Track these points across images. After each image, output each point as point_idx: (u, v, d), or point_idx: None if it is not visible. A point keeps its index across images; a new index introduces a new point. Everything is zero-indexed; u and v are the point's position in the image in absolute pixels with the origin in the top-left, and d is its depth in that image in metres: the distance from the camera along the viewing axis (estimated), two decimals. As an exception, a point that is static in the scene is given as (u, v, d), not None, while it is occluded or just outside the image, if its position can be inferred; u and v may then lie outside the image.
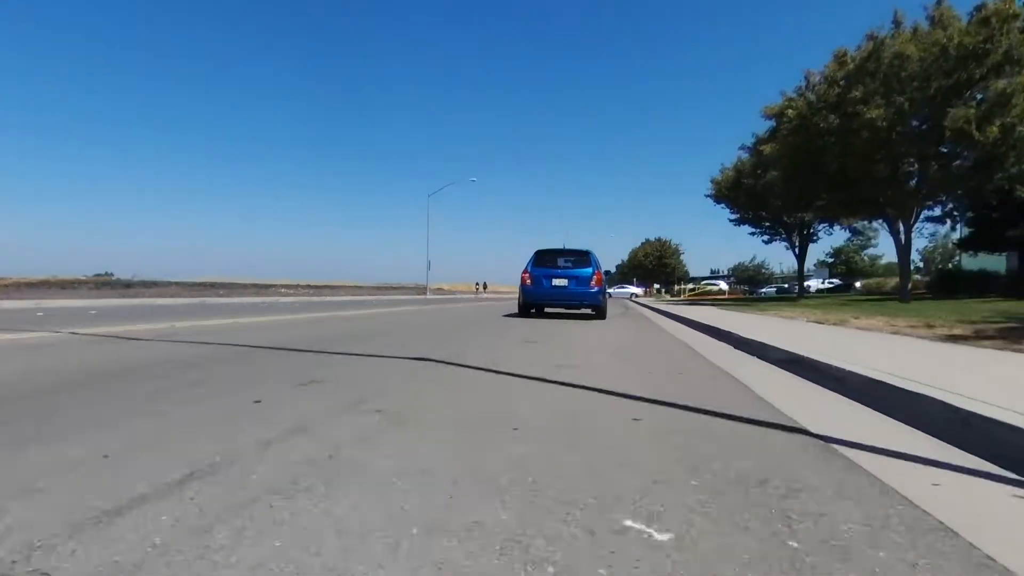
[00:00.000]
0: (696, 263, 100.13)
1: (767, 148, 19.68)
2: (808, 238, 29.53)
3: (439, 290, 64.69)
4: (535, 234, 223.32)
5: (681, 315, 11.62)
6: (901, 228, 19.36)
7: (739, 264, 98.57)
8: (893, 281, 39.97)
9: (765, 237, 30.70)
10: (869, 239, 52.42)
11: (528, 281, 10.86)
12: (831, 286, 56.65)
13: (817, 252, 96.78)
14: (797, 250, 29.86)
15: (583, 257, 11.17)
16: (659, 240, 72.75)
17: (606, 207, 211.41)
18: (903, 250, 19.59)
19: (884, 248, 60.05)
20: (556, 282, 10.77)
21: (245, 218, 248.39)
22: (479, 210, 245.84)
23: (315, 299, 24.40)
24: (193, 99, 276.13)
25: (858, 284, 58.31)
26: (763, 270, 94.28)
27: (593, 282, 10.77)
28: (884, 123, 16.27)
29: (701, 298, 44.77)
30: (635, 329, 8.69)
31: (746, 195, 27.82)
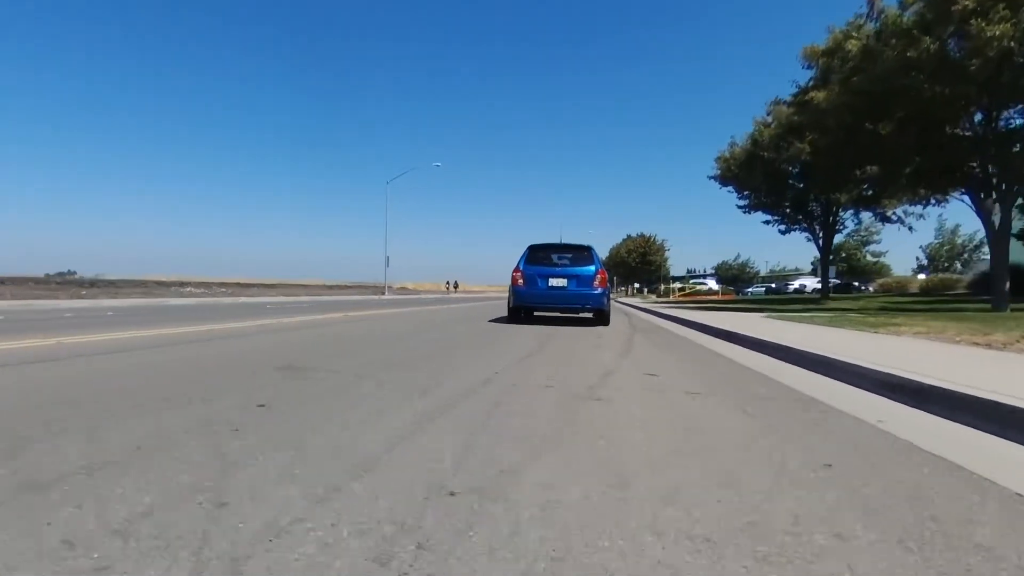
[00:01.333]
0: (672, 261, 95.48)
1: (819, 96, 14.35)
2: (833, 227, 24.51)
3: (403, 289, 58.59)
4: (517, 232, 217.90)
5: (725, 328, 6.45)
6: (996, 206, 14.24)
7: (722, 262, 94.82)
8: (913, 280, 35.58)
9: (782, 226, 25.59)
10: (871, 233, 47.99)
11: (520, 281, 9.36)
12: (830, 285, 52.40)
13: (812, 248, 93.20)
14: (821, 241, 24.80)
15: (583, 253, 9.67)
16: (642, 236, 67.75)
17: (586, 204, 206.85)
18: (999, 236, 14.47)
19: (887, 244, 55.15)
20: (553, 282, 9.29)
21: (234, 219, 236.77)
22: (454, 208, 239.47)
23: (212, 301, 18.40)
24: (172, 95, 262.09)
25: (856, 283, 54.06)
26: (747, 268, 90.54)
27: (596, 282, 9.25)
28: (1011, 43, 11.05)
29: (694, 299, 39.70)
30: (714, 377, 2.94)
31: (764, 173, 22.62)
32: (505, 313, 10.77)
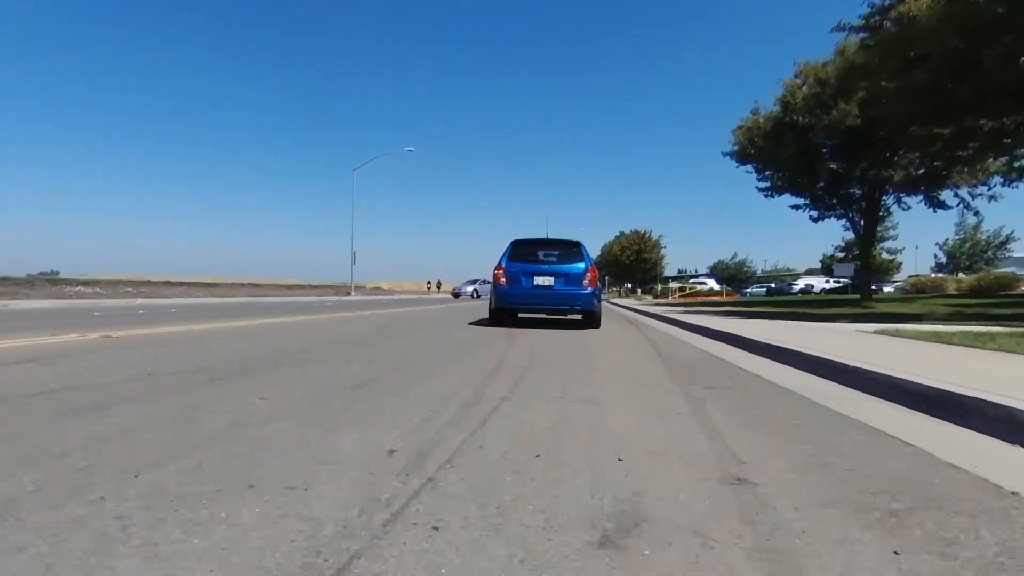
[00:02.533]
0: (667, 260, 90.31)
1: (917, 4, 9.80)
2: (877, 213, 20.02)
3: (377, 289, 53.59)
4: (508, 231, 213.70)
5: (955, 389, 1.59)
6: None
7: (718, 262, 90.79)
8: (943, 279, 31.06)
9: (814, 212, 21.08)
10: (887, 228, 43.69)
11: (502, 279, 8.36)
12: (837, 285, 47.91)
13: (823, 245, 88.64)
14: (863, 230, 20.31)
15: (572, 249, 8.69)
16: (636, 232, 63.31)
17: (575, 202, 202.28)
18: None
19: (904, 240, 49.84)
20: (539, 281, 8.31)
21: (234, 220, 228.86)
22: (443, 206, 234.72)
23: (61, 304, 13.64)
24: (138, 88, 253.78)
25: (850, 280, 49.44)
26: (745, 268, 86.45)
27: (586, 281, 8.28)
28: None
29: (698, 300, 35.27)
30: None
31: (796, 144, 18.12)
32: (482, 316, 10.28)
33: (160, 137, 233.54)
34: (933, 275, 32.54)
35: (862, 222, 20.39)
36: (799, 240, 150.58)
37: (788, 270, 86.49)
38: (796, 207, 21.24)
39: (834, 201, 20.57)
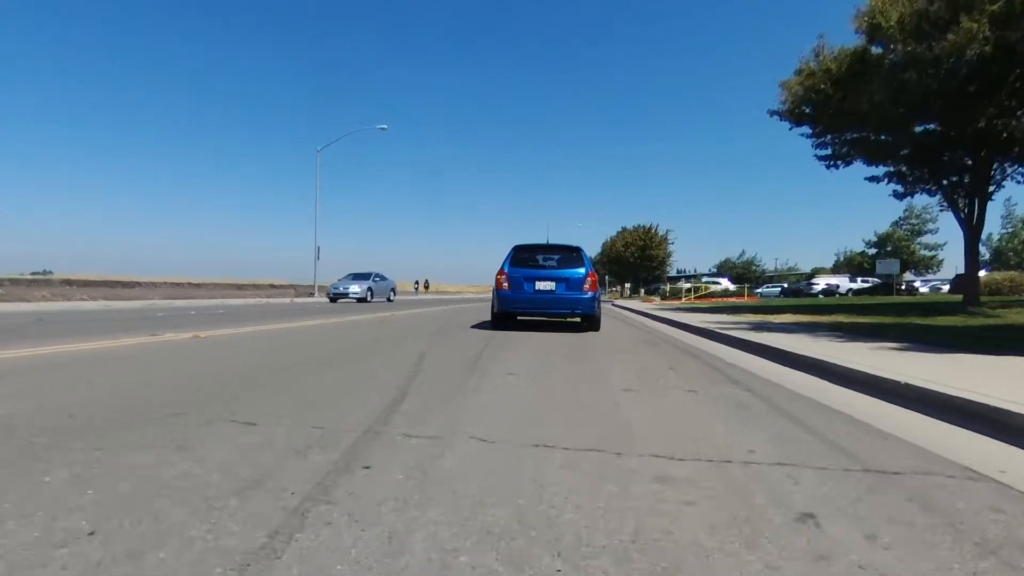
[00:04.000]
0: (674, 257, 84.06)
1: None
2: (987, 185, 14.63)
3: (353, 289, 48.24)
4: (500, 229, 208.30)
5: None
6: None
7: (726, 260, 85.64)
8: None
9: (899, 187, 15.75)
10: (924, 221, 38.43)
11: (504, 284, 8.66)
12: (867, 285, 42.37)
13: (829, 244, 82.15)
14: (965, 212, 14.96)
15: (572, 254, 9.04)
16: (641, 227, 58.00)
17: (573, 199, 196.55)
18: None
19: (946, 234, 43.59)
20: (540, 285, 8.59)
21: (237, 222, 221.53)
22: (434, 204, 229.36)
23: None
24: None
25: (901, 282, 43.75)
26: (754, 266, 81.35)
27: (586, 285, 8.61)
28: None
29: (717, 302, 29.99)
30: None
31: (886, 87, 12.80)
32: (473, 324, 10.11)
33: (187, 138, 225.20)
34: (1010, 274, 27.12)
35: (962, 201, 15.01)
36: (802, 239, 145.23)
37: (792, 269, 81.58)
38: (874, 179, 15.88)
39: (926, 172, 15.20)
